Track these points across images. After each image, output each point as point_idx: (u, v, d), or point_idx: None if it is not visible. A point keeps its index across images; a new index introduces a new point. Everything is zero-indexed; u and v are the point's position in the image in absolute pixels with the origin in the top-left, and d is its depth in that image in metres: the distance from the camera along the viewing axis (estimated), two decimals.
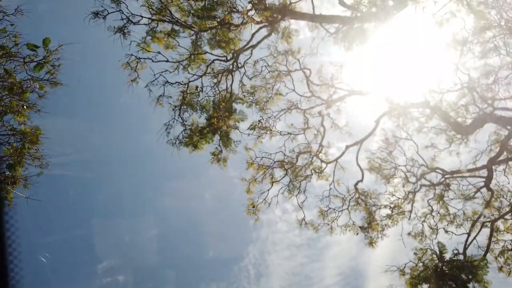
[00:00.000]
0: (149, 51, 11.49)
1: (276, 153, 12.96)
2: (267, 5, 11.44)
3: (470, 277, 10.66)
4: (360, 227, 12.50)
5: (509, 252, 11.70)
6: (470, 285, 10.72)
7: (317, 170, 13.06)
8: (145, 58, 11.56)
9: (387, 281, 11.80)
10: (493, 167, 12.08)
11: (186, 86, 12.09)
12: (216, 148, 12.43)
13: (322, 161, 13.17)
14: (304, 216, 12.88)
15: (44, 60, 10.03)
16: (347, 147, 12.87)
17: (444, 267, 11.11)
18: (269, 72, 12.84)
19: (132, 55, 11.37)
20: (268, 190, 12.66)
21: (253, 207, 12.46)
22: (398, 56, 13.62)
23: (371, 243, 12.38)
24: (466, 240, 11.73)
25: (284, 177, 12.95)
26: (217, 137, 12.38)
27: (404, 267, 11.70)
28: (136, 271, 16.47)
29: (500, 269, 11.51)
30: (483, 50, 12.73)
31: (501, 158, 12.11)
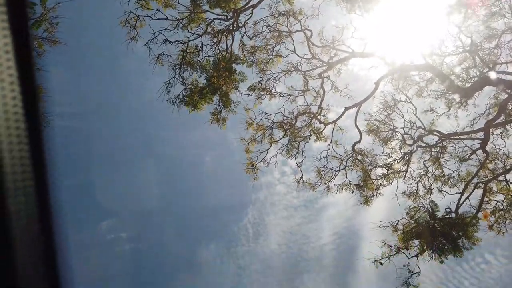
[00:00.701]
0: (148, 9, 11.35)
1: (275, 114, 13.07)
2: None
3: (460, 233, 11.05)
4: (356, 185, 12.79)
5: (500, 212, 12.05)
6: (460, 241, 11.14)
7: (315, 132, 13.21)
8: (144, 16, 11.45)
9: (380, 238, 12.24)
10: (490, 130, 12.21)
11: (185, 45, 12.03)
12: (216, 108, 12.52)
13: (321, 122, 13.29)
14: (302, 175, 13.17)
15: (42, 18, 9.95)
16: (346, 108, 12.96)
17: (436, 224, 11.49)
18: (269, 32, 12.72)
19: (131, 12, 11.25)
20: (267, 150, 12.87)
21: (252, 166, 12.70)
22: (401, 18, 13.44)
23: (366, 201, 12.71)
24: (459, 200, 12.05)
25: (283, 137, 13.13)
26: (216, 97, 12.44)
27: (397, 223, 12.10)
28: (138, 228, 16.97)
29: (491, 227, 11.89)
30: (488, 13, 12.55)
31: (498, 121, 12.22)
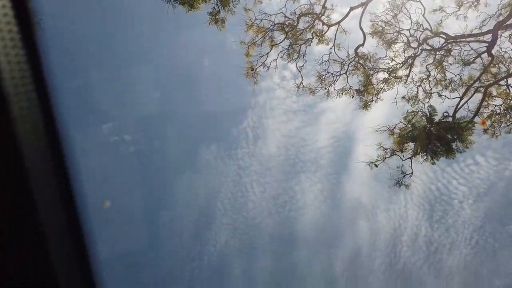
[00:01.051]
0: None
1: (276, 14, 12.44)
2: None
3: (455, 137, 11.33)
4: (356, 90, 12.74)
5: (496, 116, 12.20)
6: (454, 144, 11.48)
7: (318, 34, 12.70)
8: None
9: (376, 142, 12.60)
10: (499, 32, 11.73)
11: None
12: (214, 7, 11.85)
13: (324, 24, 12.71)
14: (302, 80, 13.03)
15: None
16: (352, 8, 12.29)
17: (432, 128, 11.73)
18: None
19: None
20: (267, 53, 12.53)
21: (252, 70, 12.50)
22: None
23: (365, 106, 12.78)
24: (458, 104, 12.10)
25: (283, 40, 12.67)
26: None
27: (394, 127, 12.34)
28: (140, 131, 17.35)
29: (485, 131, 12.16)
30: None
31: (509, 22, 11.67)
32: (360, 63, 12.87)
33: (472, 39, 12.43)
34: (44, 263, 1.19)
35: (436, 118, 11.95)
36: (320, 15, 12.71)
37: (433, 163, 11.91)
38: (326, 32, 12.82)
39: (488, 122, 12.13)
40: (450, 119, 11.89)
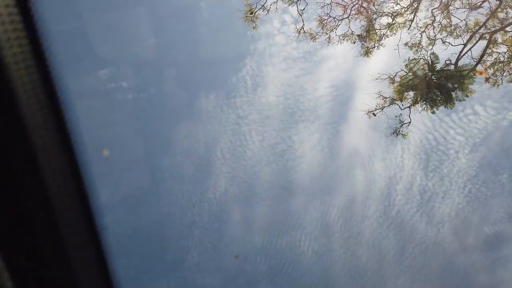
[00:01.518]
0: None
1: None
2: None
3: (455, 86, 11.21)
4: (358, 35, 12.39)
5: (499, 64, 11.97)
6: (454, 93, 11.39)
7: None
8: None
9: (376, 91, 12.48)
10: None
11: None
12: None
13: None
14: (303, 25, 12.61)
15: None
16: None
17: (433, 77, 11.57)
18: None
19: None
20: None
21: (251, 13, 12.06)
22: None
23: (367, 53, 12.50)
24: (461, 51, 11.83)
25: None
26: None
27: (395, 75, 12.16)
28: (137, 78, 17.10)
29: (487, 80, 11.99)
30: None
31: None
32: (363, 7, 12.41)
33: None
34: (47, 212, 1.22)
35: (438, 66, 11.74)
36: None
37: (433, 112, 11.89)
38: None
39: (490, 71, 11.94)
40: (452, 67, 11.69)
